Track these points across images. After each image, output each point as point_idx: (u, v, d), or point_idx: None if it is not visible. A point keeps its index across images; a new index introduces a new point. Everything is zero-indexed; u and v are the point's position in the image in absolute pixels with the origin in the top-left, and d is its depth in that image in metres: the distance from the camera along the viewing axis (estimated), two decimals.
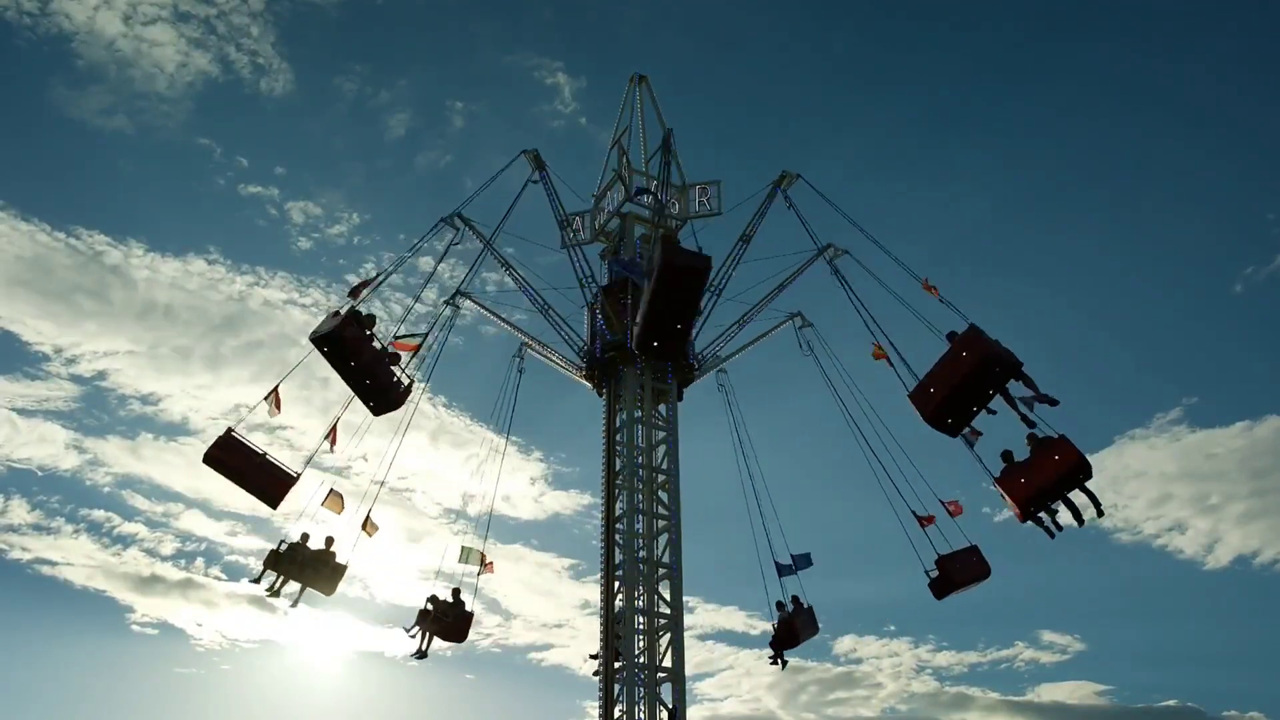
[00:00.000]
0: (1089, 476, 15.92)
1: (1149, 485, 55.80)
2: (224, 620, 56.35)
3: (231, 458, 17.64)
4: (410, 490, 53.51)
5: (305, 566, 18.46)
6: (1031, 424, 16.12)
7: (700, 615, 54.57)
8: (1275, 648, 53.15)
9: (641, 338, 17.30)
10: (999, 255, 63.72)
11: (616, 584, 20.48)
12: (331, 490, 19.12)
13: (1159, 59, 60.80)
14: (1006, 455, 16.60)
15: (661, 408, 22.40)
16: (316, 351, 16.97)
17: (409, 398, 18.22)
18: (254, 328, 55.12)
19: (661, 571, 20.67)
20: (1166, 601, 57.66)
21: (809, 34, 66.26)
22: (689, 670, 20.89)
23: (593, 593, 20.99)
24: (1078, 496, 16.27)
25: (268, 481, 17.88)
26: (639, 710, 19.31)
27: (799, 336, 23.33)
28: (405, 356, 18.22)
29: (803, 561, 21.73)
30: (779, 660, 21.37)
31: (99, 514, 52.25)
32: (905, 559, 19.90)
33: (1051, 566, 52.82)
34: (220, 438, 17.62)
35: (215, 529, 54.03)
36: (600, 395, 22.81)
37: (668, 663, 20.03)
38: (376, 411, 17.94)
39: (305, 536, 18.87)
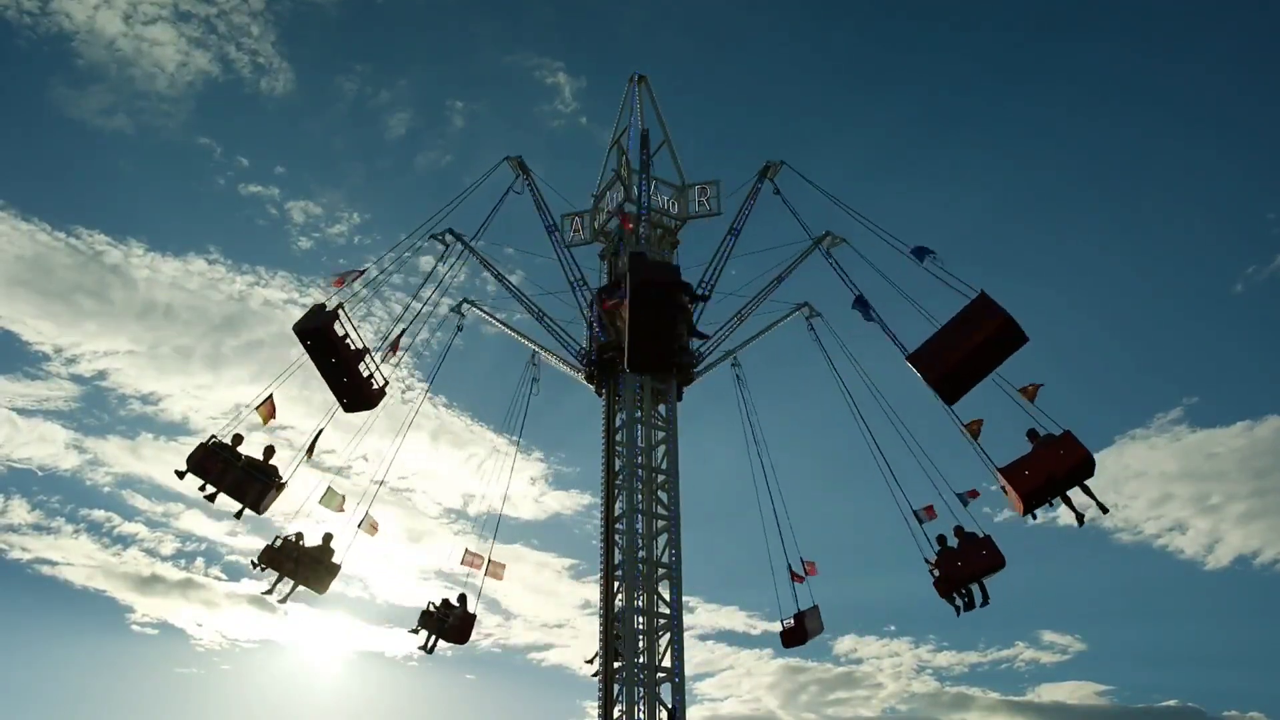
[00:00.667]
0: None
1: (1149, 485, 55.79)
2: (224, 620, 56.45)
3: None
4: (411, 490, 53.56)
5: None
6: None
7: (701, 615, 54.57)
8: (1276, 648, 53.11)
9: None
10: (999, 255, 63.65)
11: (616, 584, 20.49)
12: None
13: (1159, 59, 60.79)
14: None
15: (661, 408, 22.38)
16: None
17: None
18: (254, 327, 55.18)
19: (661, 571, 20.66)
20: (1167, 602, 57.65)
21: (809, 34, 66.28)
22: (689, 670, 20.91)
23: (593, 593, 21.07)
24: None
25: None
26: (639, 710, 19.30)
27: (810, 326, 23.55)
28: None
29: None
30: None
31: (99, 514, 52.30)
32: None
33: (1052, 566, 52.78)
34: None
35: (215, 529, 53.99)
36: (600, 395, 22.81)
37: (667, 663, 20.01)
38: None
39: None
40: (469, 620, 21.12)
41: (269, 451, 18.31)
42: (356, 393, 17.72)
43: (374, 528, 19.86)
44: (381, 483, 20.35)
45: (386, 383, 18.30)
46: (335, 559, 19.14)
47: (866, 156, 65.24)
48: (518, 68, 63.80)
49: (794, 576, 21.93)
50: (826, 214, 22.07)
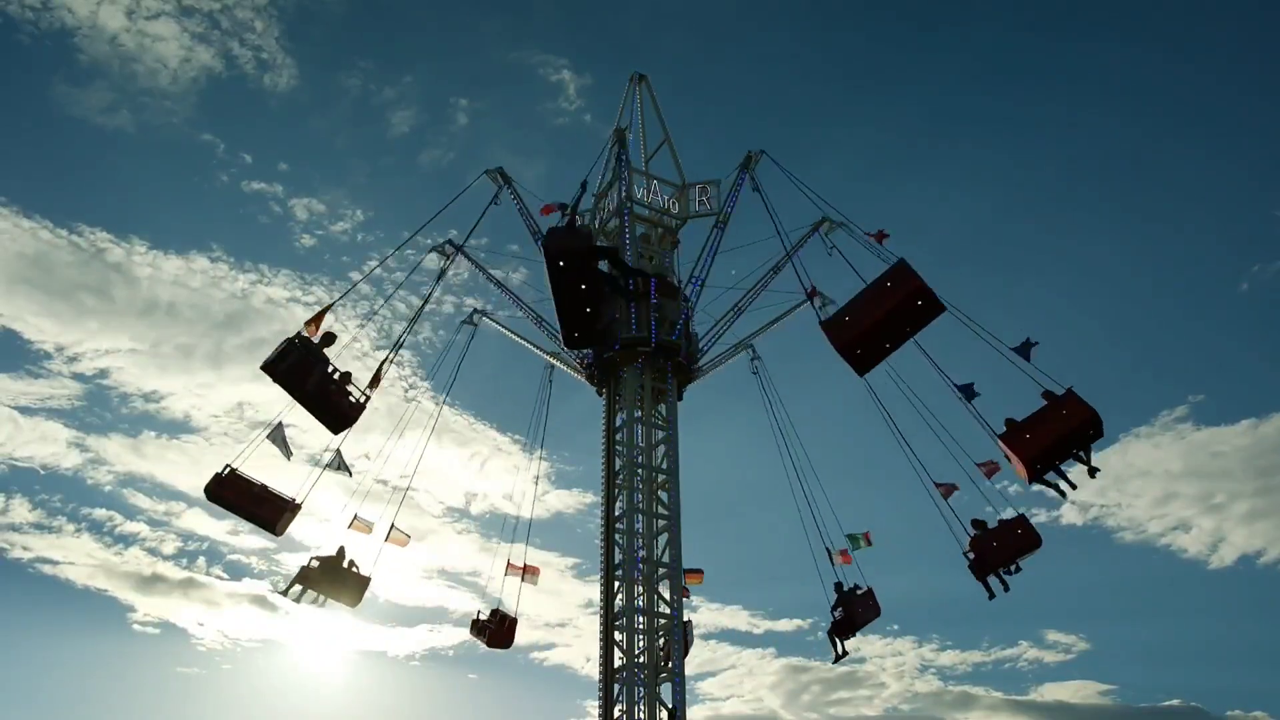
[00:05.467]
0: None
1: (1153, 484, 55.75)
2: (225, 620, 56.54)
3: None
4: (413, 490, 53.46)
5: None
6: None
7: (703, 615, 54.62)
8: (1279, 647, 53.03)
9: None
10: (1001, 254, 63.70)
11: (616, 584, 20.48)
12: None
13: (1159, 59, 60.70)
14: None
15: (661, 407, 22.38)
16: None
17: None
18: (257, 325, 55.26)
19: (661, 571, 20.65)
20: (1171, 601, 57.64)
21: (810, 34, 66.22)
22: (691, 670, 20.90)
23: (596, 592, 21.06)
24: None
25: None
26: (639, 710, 19.29)
27: (819, 315, 23.30)
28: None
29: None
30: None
31: (101, 513, 52.39)
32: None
33: (1055, 565, 52.75)
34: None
35: (217, 528, 54.07)
36: (600, 395, 22.81)
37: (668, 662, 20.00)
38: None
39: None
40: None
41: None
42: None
43: (404, 538, 20.19)
44: (406, 490, 20.88)
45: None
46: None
47: (867, 156, 65.33)
48: (522, 65, 63.92)
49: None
50: (820, 205, 21.99)
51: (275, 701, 54.21)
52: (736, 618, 57.09)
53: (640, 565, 20.33)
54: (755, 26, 65.23)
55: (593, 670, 20.58)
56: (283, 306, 54.74)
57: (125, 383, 51.97)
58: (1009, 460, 16.12)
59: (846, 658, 21.33)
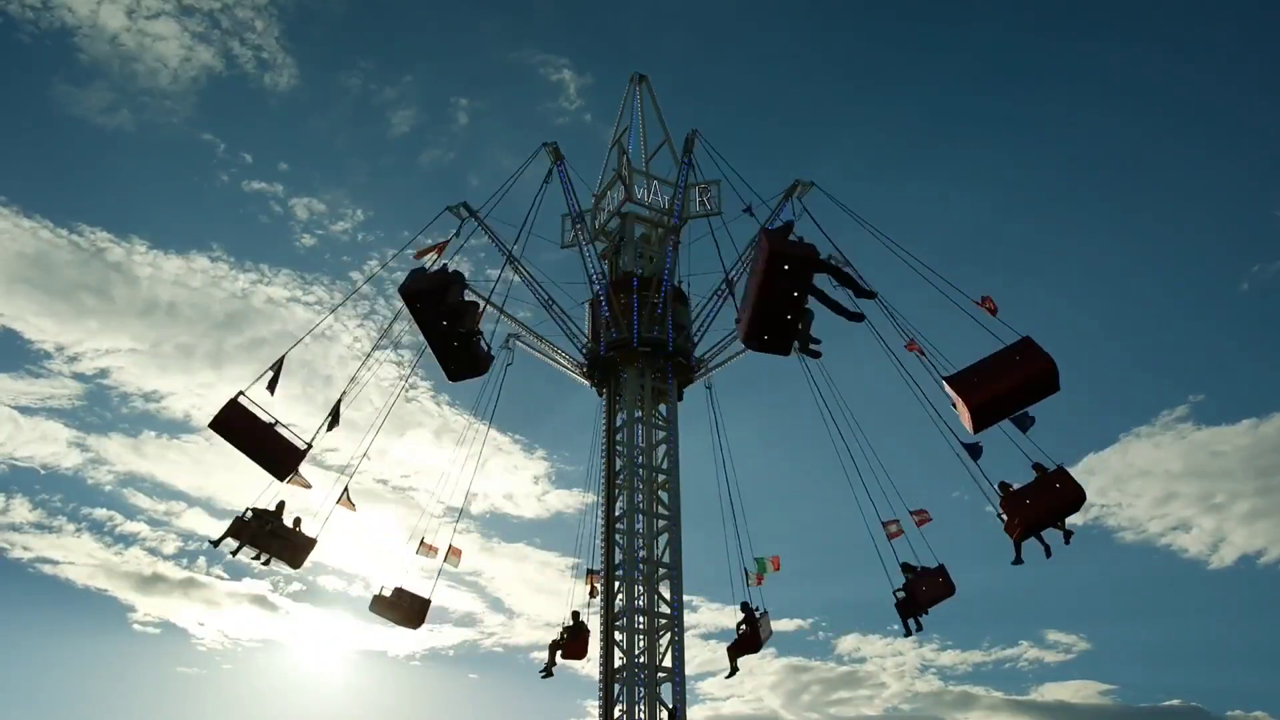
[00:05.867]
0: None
1: (1154, 484, 55.65)
2: (226, 620, 56.42)
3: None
4: (413, 489, 53.51)
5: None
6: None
7: (704, 614, 54.48)
8: (1279, 647, 53.03)
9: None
10: (1001, 254, 63.64)
11: (616, 583, 20.50)
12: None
13: (1159, 59, 60.72)
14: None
15: (661, 408, 22.39)
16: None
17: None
18: (257, 325, 55.18)
19: (662, 571, 20.67)
20: (1171, 601, 57.53)
21: (811, 34, 66.27)
22: (691, 670, 20.96)
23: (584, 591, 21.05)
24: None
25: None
26: (639, 710, 19.31)
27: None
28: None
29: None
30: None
31: (101, 513, 52.31)
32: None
33: (1055, 566, 51.96)
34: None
35: (217, 528, 53.27)
36: (600, 395, 22.82)
37: (668, 662, 20.03)
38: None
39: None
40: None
41: (298, 521, 18.80)
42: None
43: (351, 504, 19.58)
44: (439, 494, 20.64)
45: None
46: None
47: (868, 156, 65.33)
48: (522, 65, 63.88)
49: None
50: (834, 225, 21.93)
51: (275, 701, 54.21)
52: (737, 617, 57.04)
53: (640, 565, 20.36)
54: (755, 26, 65.29)
55: (592, 670, 20.64)
56: (283, 306, 54.77)
57: (125, 382, 51.95)
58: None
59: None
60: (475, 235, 22.40)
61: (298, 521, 18.80)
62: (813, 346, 15.29)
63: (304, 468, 18.20)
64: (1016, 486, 16.03)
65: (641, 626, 20.01)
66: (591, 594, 21.34)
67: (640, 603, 20.15)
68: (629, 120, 25.53)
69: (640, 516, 20.83)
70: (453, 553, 20.86)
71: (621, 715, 19.30)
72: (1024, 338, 14.65)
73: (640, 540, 20.60)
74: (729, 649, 21.04)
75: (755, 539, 21.97)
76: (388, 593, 20.04)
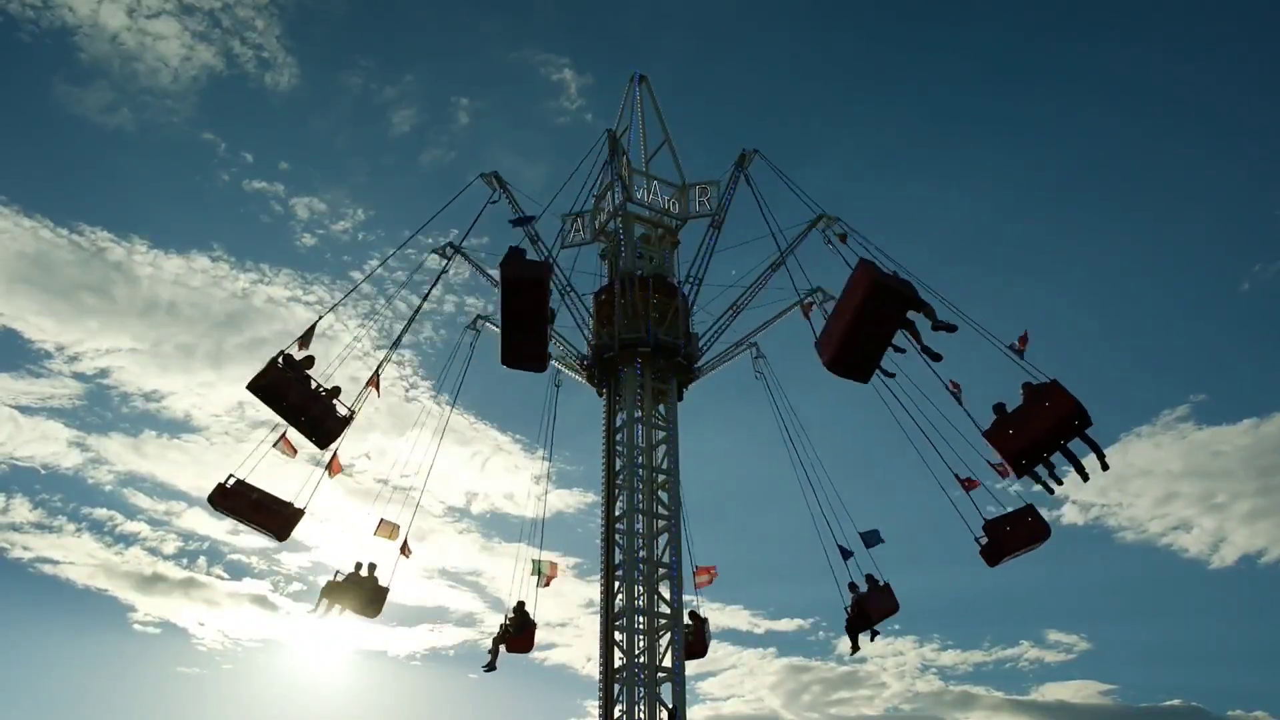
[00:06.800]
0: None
1: (1154, 483, 55.67)
2: (226, 620, 56.52)
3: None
4: (414, 489, 53.49)
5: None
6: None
7: (704, 614, 54.54)
8: (1279, 647, 53.02)
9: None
10: (1001, 254, 63.68)
11: (616, 584, 20.50)
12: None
13: (1160, 59, 60.71)
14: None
15: (661, 408, 22.39)
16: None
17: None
18: (257, 325, 55.24)
19: (661, 571, 20.66)
20: (1171, 601, 57.59)
21: (811, 34, 66.25)
22: (691, 670, 20.91)
23: (596, 592, 21.09)
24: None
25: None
26: (639, 710, 19.30)
27: (823, 310, 22.59)
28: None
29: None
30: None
31: (101, 512, 52.37)
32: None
33: (1056, 565, 52.69)
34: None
35: (218, 528, 53.93)
36: (600, 395, 22.82)
37: (668, 662, 20.02)
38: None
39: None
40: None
41: (372, 568, 19.32)
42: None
43: (408, 551, 19.96)
44: (417, 505, 20.52)
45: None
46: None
47: (867, 156, 65.33)
48: (523, 64, 63.91)
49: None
50: (832, 199, 21.89)
51: (275, 701, 54.28)
52: (737, 617, 57.05)
53: (640, 565, 20.35)
54: (755, 26, 65.28)
55: (593, 670, 20.66)
56: (283, 306, 54.81)
57: (126, 382, 52.01)
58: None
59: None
60: (476, 235, 22.53)
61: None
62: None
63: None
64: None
65: (641, 626, 20.01)
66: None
67: (640, 603, 20.15)
68: (629, 120, 25.53)
69: (640, 516, 20.83)
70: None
71: (621, 715, 19.29)
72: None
73: (640, 540, 20.60)
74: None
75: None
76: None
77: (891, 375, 16.31)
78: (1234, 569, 53.79)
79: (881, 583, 20.72)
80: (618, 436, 21.84)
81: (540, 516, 22.81)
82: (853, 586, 20.82)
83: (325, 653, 50.63)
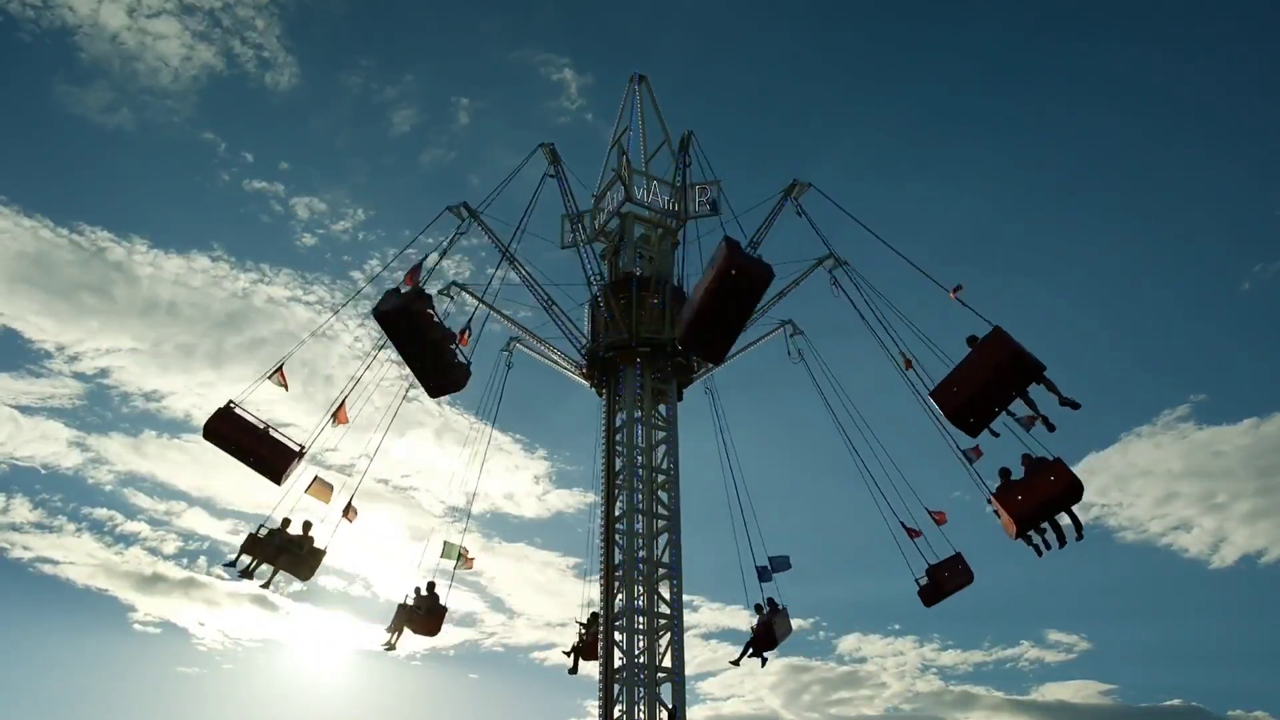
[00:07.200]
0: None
1: (1154, 483, 55.64)
2: (226, 619, 56.42)
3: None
4: (414, 489, 53.51)
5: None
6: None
7: (704, 614, 54.54)
8: None
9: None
10: (1003, 254, 63.66)
11: (616, 584, 20.50)
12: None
13: (1160, 59, 60.71)
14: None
15: (661, 408, 22.40)
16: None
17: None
18: (258, 325, 55.22)
19: (661, 571, 20.67)
20: (1172, 601, 57.54)
21: (811, 34, 66.25)
22: (691, 670, 20.96)
23: (596, 592, 21.07)
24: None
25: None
26: (639, 710, 19.31)
27: (789, 344, 23.71)
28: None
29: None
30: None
31: (101, 512, 52.33)
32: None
33: (1056, 565, 52.51)
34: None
35: (218, 527, 53.96)
36: (600, 395, 22.82)
37: (668, 663, 20.03)
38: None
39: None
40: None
41: (307, 526, 18.62)
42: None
43: (353, 513, 19.40)
44: (439, 494, 20.32)
45: (304, 449, 17.92)
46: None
47: (867, 156, 65.34)
48: (523, 64, 63.90)
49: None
50: (833, 225, 22.01)
51: (275, 701, 54.25)
52: (737, 617, 57.16)
53: (640, 565, 20.36)
54: (755, 26, 65.27)
55: (593, 670, 20.64)
56: (284, 306, 54.81)
57: (126, 382, 51.98)
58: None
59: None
60: (477, 235, 22.44)
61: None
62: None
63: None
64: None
65: (641, 627, 20.02)
66: (467, 566, 21.13)
67: (640, 603, 20.15)
68: (629, 120, 25.53)
69: (640, 517, 20.83)
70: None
71: (621, 715, 19.30)
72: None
73: (640, 540, 20.61)
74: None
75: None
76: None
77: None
78: (1234, 569, 53.80)
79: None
80: (617, 437, 21.85)
81: (468, 504, 22.41)
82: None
83: (325, 653, 50.77)
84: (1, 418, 50.28)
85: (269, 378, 18.19)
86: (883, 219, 19.74)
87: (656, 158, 25.62)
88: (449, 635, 55.91)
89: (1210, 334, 60.53)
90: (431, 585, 20.68)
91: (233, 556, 18.26)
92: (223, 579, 53.43)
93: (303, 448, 17.84)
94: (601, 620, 20.67)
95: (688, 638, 20.71)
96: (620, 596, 20.25)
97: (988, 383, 15.78)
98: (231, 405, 17.35)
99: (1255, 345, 59.04)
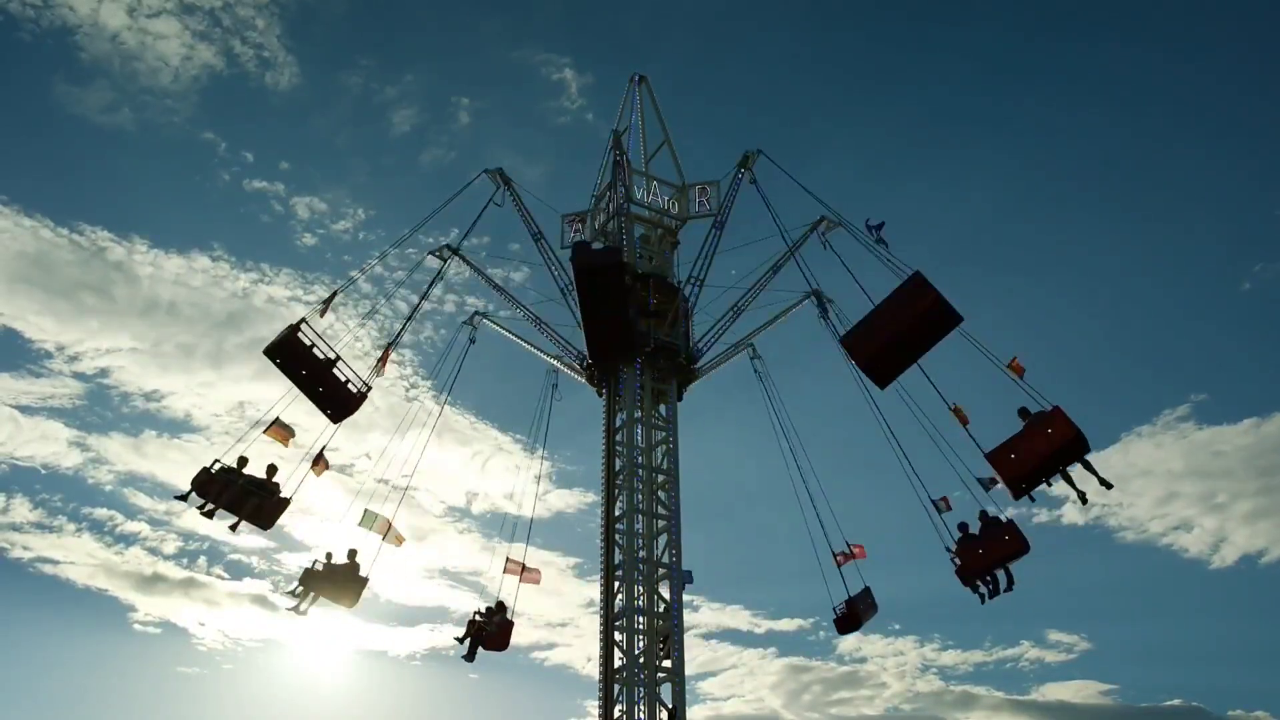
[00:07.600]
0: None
1: (1155, 483, 55.69)
2: (226, 619, 56.52)
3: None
4: (414, 489, 53.45)
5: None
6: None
7: (704, 614, 54.62)
8: None
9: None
10: (1001, 254, 63.71)
11: (616, 584, 20.50)
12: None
13: (1160, 59, 60.72)
14: (963, 527, 17.24)
15: (661, 408, 22.39)
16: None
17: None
18: (258, 325, 55.26)
19: (661, 571, 20.66)
20: (1172, 601, 57.62)
21: (811, 34, 66.24)
22: (692, 670, 20.92)
23: (596, 592, 21.10)
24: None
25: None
26: (639, 710, 19.30)
27: (821, 316, 22.71)
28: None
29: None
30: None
31: (101, 512, 52.37)
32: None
33: (1057, 565, 52.76)
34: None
35: (218, 528, 53.36)
36: (600, 395, 22.81)
37: (667, 663, 20.01)
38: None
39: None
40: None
41: (271, 470, 18.23)
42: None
43: (399, 540, 19.62)
44: (405, 490, 20.23)
45: (368, 387, 18.25)
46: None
47: (867, 156, 65.37)
48: (523, 64, 63.95)
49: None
50: (819, 204, 21.86)
51: (275, 701, 54.27)
52: (737, 617, 57.13)
53: (640, 565, 20.35)
54: (755, 26, 65.34)
55: (593, 670, 20.67)
56: (284, 306, 54.83)
57: (126, 382, 52.02)
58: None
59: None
60: (475, 236, 22.48)
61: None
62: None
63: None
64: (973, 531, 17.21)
65: (641, 627, 20.01)
66: (398, 543, 20.05)
67: (640, 603, 20.15)
68: (629, 120, 25.55)
69: (640, 516, 20.83)
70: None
71: (621, 715, 19.29)
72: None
73: (640, 540, 20.59)
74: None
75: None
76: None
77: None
78: (1234, 569, 53.87)
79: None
80: (617, 437, 21.84)
81: (403, 491, 21.35)
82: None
83: (325, 653, 50.75)
84: (1, 418, 50.37)
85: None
86: (883, 219, 19.63)
87: (657, 158, 25.68)
88: (449, 635, 55.92)
89: (1210, 334, 60.64)
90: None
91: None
92: (223, 579, 53.54)
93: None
94: (601, 621, 20.65)
95: (687, 638, 20.74)
96: (620, 596, 20.24)
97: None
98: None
99: (1255, 345, 59.17)
